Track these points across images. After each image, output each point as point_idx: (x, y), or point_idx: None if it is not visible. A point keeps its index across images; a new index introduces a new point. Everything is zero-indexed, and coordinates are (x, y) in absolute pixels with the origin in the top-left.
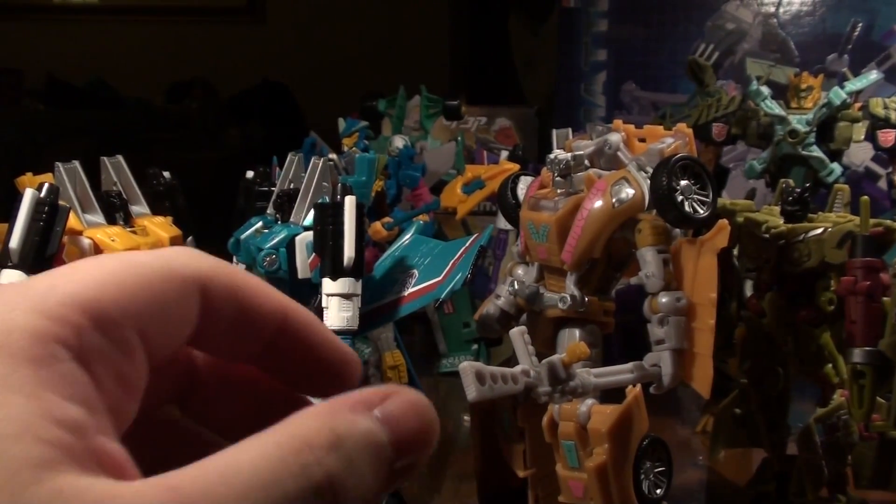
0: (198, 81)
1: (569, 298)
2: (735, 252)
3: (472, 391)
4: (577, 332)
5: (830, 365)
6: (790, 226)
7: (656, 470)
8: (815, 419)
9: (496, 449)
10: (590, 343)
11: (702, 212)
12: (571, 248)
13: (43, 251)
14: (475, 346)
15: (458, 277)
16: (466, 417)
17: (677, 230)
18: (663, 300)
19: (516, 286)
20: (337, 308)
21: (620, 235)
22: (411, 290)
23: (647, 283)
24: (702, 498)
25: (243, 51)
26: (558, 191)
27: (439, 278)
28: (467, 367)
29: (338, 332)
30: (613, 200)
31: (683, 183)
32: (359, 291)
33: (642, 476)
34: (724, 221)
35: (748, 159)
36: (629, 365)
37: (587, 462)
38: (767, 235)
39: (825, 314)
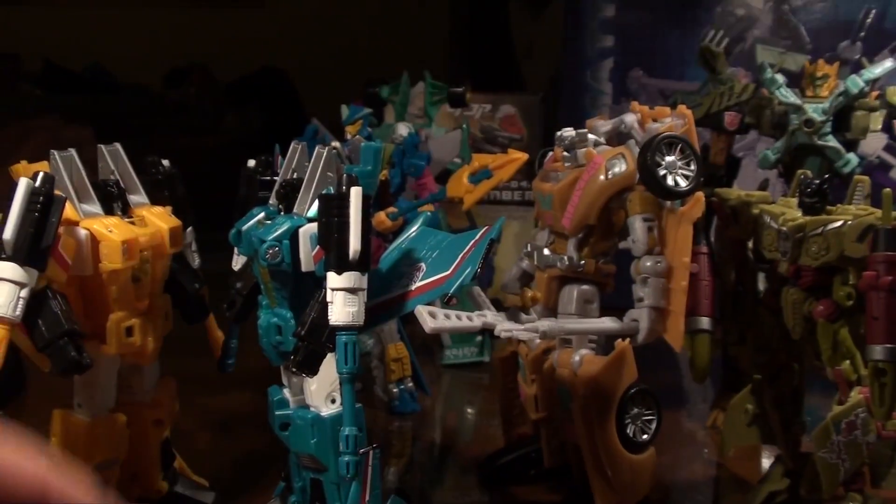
0: (196, 67)
1: (566, 259)
2: (749, 245)
3: (427, 324)
4: (575, 290)
5: (848, 361)
6: (808, 218)
7: (644, 417)
8: (833, 417)
9: (516, 397)
10: (586, 300)
11: (683, 185)
12: (570, 215)
13: (38, 243)
14: (479, 338)
15: (467, 272)
16: (470, 410)
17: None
18: (646, 264)
19: (529, 248)
20: (342, 303)
21: (618, 205)
22: (419, 284)
23: (633, 247)
24: (710, 494)
25: (241, 36)
26: (566, 164)
27: (448, 272)
28: (421, 308)
29: (343, 329)
30: (608, 174)
31: (669, 159)
32: (365, 286)
33: (628, 420)
34: (699, 194)
35: (758, 148)
36: (606, 318)
37: (572, 404)
38: (785, 228)
39: (843, 309)
